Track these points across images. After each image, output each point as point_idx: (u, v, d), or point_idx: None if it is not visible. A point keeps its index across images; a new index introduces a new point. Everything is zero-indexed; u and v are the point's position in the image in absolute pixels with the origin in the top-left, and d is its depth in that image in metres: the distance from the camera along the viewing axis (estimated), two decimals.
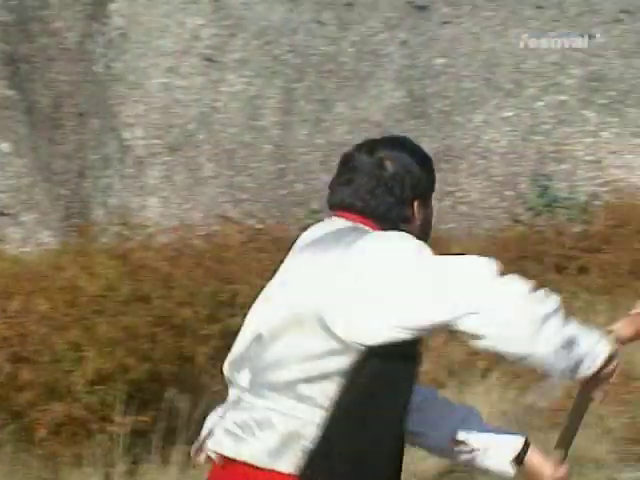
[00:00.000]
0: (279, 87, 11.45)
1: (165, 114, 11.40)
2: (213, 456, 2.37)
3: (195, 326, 6.17)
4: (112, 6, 11.61)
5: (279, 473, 2.27)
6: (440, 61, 11.21)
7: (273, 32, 11.55)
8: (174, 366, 5.99)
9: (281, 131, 11.34)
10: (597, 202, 10.27)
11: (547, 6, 11.07)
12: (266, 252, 7.85)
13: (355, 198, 2.41)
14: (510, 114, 10.87)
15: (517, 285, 2.23)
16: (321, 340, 2.27)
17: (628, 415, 4.51)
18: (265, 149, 11.32)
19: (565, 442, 2.38)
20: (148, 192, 11.30)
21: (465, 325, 2.21)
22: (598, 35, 10.57)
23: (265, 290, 2.45)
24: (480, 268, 2.24)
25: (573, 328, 2.26)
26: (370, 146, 2.46)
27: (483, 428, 2.49)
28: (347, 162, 2.47)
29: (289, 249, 2.46)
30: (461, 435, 2.47)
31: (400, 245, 2.30)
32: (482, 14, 11.23)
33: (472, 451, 2.47)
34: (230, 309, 6.41)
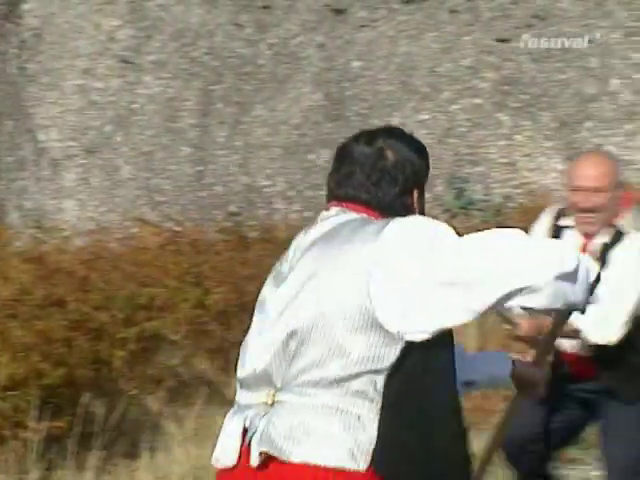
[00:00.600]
0: (197, 89, 11.41)
1: (81, 116, 11.28)
2: (256, 462, 2.26)
3: (111, 330, 6.12)
4: (25, 6, 11.45)
5: (354, 472, 2.22)
6: (357, 64, 11.29)
7: (190, 34, 11.51)
8: (90, 370, 5.93)
9: (199, 133, 11.30)
10: (511, 204, 10.44)
11: (461, 11, 11.22)
12: (184, 255, 7.81)
13: (359, 190, 2.40)
14: (426, 117, 10.99)
15: (549, 246, 2.30)
16: (369, 334, 2.24)
17: None
18: (183, 151, 11.26)
19: (542, 355, 2.74)
20: (64, 195, 11.17)
21: (519, 297, 2.23)
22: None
23: (278, 284, 2.36)
24: (514, 240, 2.27)
25: (582, 263, 2.34)
26: (368, 137, 2.46)
27: (477, 360, 2.63)
28: (345, 154, 2.46)
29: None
30: (466, 375, 2.54)
31: (431, 228, 2.29)
32: (398, 18, 11.34)
33: (479, 386, 2.62)
34: (147, 312, 6.36)
